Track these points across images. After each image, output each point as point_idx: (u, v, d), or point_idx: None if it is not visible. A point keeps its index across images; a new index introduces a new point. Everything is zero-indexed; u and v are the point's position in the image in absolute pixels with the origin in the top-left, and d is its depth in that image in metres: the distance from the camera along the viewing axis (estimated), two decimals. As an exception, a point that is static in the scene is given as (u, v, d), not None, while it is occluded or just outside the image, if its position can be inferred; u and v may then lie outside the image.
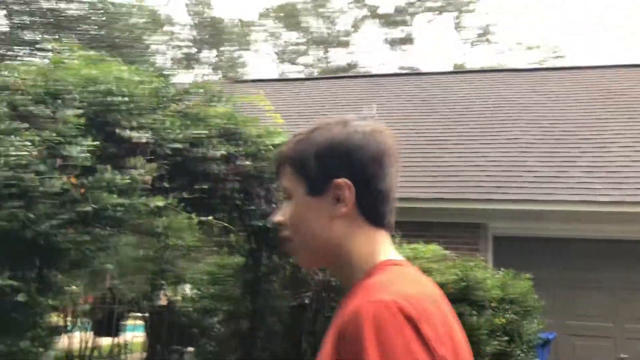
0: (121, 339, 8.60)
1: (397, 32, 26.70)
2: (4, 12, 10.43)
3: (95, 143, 3.08)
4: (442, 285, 4.26)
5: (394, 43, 26.96)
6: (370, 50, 28.81)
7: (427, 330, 0.84)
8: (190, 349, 6.58)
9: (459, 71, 14.02)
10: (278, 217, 1.09)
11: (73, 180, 3.13)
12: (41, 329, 3.15)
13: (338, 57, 26.87)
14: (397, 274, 0.98)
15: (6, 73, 3.57)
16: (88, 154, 3.04)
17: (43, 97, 3.42)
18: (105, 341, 8.44)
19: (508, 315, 4.41)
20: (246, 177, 4.05)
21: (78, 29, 10.10)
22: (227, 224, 3.97)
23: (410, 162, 8.46)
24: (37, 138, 3.06)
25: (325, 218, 1.03)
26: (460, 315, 4.24)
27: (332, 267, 1.08)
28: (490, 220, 7.55)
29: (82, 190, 3.15)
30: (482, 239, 7.57)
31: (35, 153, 3.02)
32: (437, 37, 32.09)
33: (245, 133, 4.07)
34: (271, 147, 4.08)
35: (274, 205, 4.19)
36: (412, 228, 6.74)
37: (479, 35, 26.42)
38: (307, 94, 12.02)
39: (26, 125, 3.17)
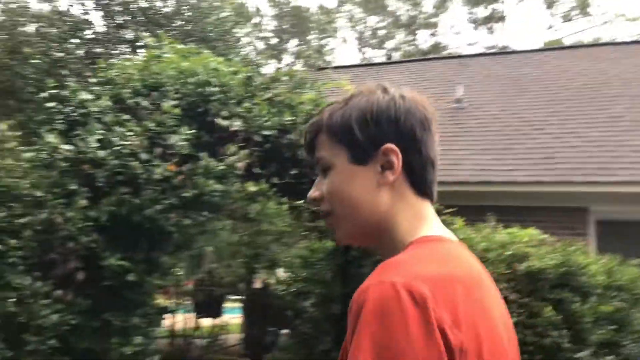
0: (221, 320, 9.01)
1: (484, 11, 25.70)
2: (103, 13, 11.11)
3: (192, 131, 3.23)
4: (540, 271, 4.12)
5: (480, 22, 26.00)
6: (457, 31, 27.95)
7: (439, 314, 0.76)
8: (285, 330, 6.78)
9: (553, 48, 13.30)
10: (313, 193, 0.99)
11: (173, 167, 3.31)
12: (149, 307, 3.37)
13: (424, 40, 26.32)
14: (428, 250, 0.90)
15: (110, 69, 3.82)
16: (186, 143, 3.19)
17: (143, 90, 3.63)
18: (206, 322, 8.88)
19: (615, 303, 4.16)
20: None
21: (171, 25, 10.56)
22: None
23: (503, 144, 8.16)
24: (139, 128, 3.26)
25: (371, 187, 0.95)
26: (561, 302, 4.06)
27: (374, 241, 0.99)
28: (592, 204, 7.14)
29: (182, 177, 3.33)
30: (584, 223, 7.17)
31: (138, 142, 3.22)
32: (527, 14, 30.50)
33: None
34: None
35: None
36: (509, 212, 6.53)
37: (573, 9, 24.86)
38: (391, 78, 11.90)
39: (129, 116, 3.39)
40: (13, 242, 2.74)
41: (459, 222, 5.26)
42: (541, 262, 4.15)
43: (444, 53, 22.30)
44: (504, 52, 12.12)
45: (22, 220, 2.80)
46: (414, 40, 26.61)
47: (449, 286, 0.80)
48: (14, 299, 2.78)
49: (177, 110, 3.30)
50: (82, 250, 2.98)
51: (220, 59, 3.86)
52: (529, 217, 6.17)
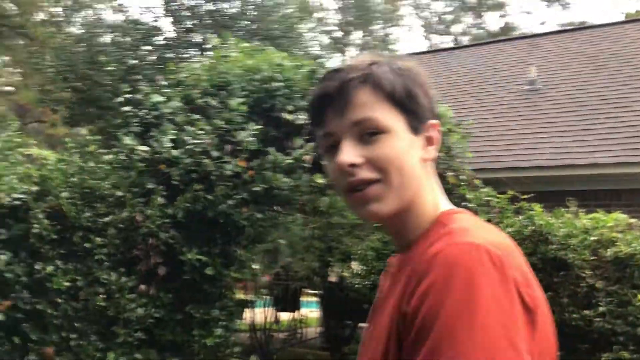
0: (299, 313, 9.15)
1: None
2: (172, 19, 11.51)
3: (260, 127, 3.29)
4: (630, 256, 3.90)
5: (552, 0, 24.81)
6: (527, 11, 26.83)
7: (515, 274, 0.78)
8: (363, 324, 6.77)
9: (632, 20, 12.49)
10: (355, 158, 0.88)
11: (242, 163, 3.39)
12: (228, 300, 3.48)
13: (492, 22, 25.45)
14: (474, 221, 0.89)
15: (180, 72, 3.96)
16: (254, 138, 3.25)
17: (211, 90, 3.74)
18: (285, 316, 9.05)
19: None
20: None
21: (237, 25, 10.80)
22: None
23: (582, 125, 7.78)
24: (209, 127, 3.36)
25: (417, 159, 0.91)
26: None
27: (399, 221, 0.93)
28: (684, 184, 6.66)
29: (251, 173, 3.40)
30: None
31: (209, 141, 3.32)
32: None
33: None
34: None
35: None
36: (592, 197, 6.21)
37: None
38: (460, 63, 11.59)
39: (199, 116, 3.50)
40: (98, 240, 2.90)
41: (537, 208, 5.06)
42: (629, 248, 3.93)
43: (514, 34, 21.46)
44: (579, 27, 11.50)
45: (105, 219, 2.96)
46: (482, 23, 25.81)
47: (513, 251, 0.82)
48: (103, 294, 2.94)
49: (244, 107, 3.37)
50: (162, 246, 3.11)
51: (284, 54, 3.91)
52: (613, 201, 5.85)
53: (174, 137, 3.22)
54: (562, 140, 8.14)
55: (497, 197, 4.72)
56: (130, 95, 3.72)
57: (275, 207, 3.76)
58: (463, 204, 4.25)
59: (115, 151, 3.19)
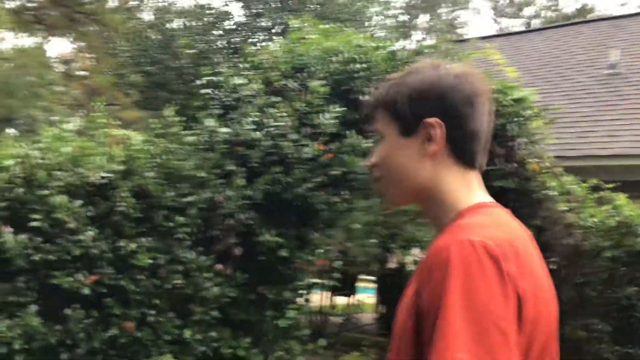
0: (355, 299, 9.12)
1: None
2: (242, 3, 11.59)
3: (342, 109, 3.23)
4: None
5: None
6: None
7: (510, 268, 0.87)
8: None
9: None
10: (370, 160, 1.12)
11: (321, 146, 3.35)
12: (300, 282, 3.47)
13: (567, 3, 24.28)
14: (488, 216, 1.00)
15: (258, 54, 3.95)
16: (335, 121, 3.20)
17: (289, 72, 3.71)
18: (341, 300, 9.04)
19: None
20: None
21: (305, 9, 10.75)
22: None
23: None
24: (289, 109, 3.33)
25: (416, 158, 1.06)
26: None
27: (422, 205, 1.09)
28: None
29: (330, 156, 3.36)
30: None
31: (289, 123, 3.30)
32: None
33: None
34: (511, 102, 3.84)
35: (514, 165, 3.96)
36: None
37: None
38: (533, 47, 11.12)
39: (279, 98, 3.48)
40: (181, 219, 2.93)
41: (621, 197, 4.79)
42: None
43: (591, 16, 20.39)
44: (667, 8, 10.75)
45: (188, 199, 2.99)
46: (555, 4, 24.65)
47: (511, 245, 0.91)
48: (181, 273, 2.99)
49: (324, 89, 3.32)
50: (240, 227, 3.13)
51: (364, 35, 3.82)
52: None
53: (256, 119, 3.22)
54: (646, 129, 7.68)
55: (580, 186, 4.49)
56: (210, 78, 3.75)
57: (350, 191, 3.70)
58: (544, 192, 4.07)
59: (197, 132, 3.22)
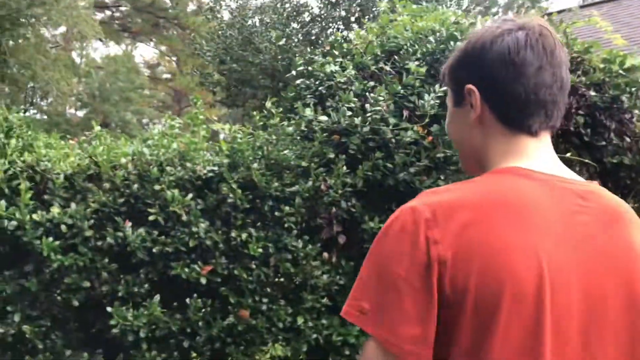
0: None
1: None
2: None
3: (443, 89, 3.13)
4: None
5: None
6: None
7: (433, 233, 0.89)
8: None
9: None
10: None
11: (421, 129, 3.27)
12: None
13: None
14: (477, 181, 0.99)
15: (348, 40, 3.91)
16: (436, 102, 3.11)
17: (383, 56, 3.65)
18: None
19: None
20: (593, 110, 3.65)
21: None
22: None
23: None
24: (386, 93, 3.28)
25: (467, 126, 1.06)
26: None
27: (482, 172, 1.06)
28: None
29: (430, 138, 3.27)
30: None
31: (385, 107, 3.24)
32: None
33: (587, 60, 3.65)
34: (621, 72, 3.58)
35: (629, 139, 3.69)
36: None
37: None
38: (631, 14, 10.36)
39: (374, 83, 3.43)
40: (287, 209, 2.96)
41: None
42: None
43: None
44: None
45: (292, 189, 3.01)
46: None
47: (453, 211, 0.91)
48: (290, 261, 3.02)
49: (422, 70, 3.23)
50: (343, 215, 3.12)
51: (459, 12, 3.69)
52: None
53: (353, 105, 3.19)
54: None
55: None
56: (303, 67, 3.76)
57: (448, 174, 3.59)
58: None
59: (296, 122, 3.23)
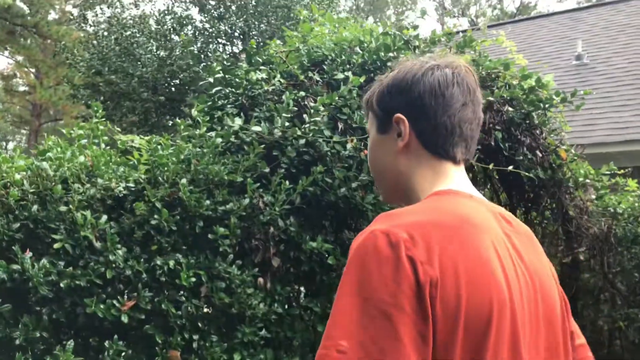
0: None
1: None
2: (198, 8, 11.18)
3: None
4: None
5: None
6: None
7: (415, 253, 0.85)
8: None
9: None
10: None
11: (353, 142, 3.10)
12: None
13: (509, 2, 25.03)
14: (430, 202, 0.98)
15: (268, 48, 3.66)
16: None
17: (308, 66, 3.45)
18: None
19: None
20: (509, 125, 3.74)
21: (268, 13, 10.46)
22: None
23: (645, 97, 7.46)
24: (318, 105, 3.07)
25: (391, 153, 1.06)
26: None
27: (404, 201, 1.07)
28: None
29: (365, 152, 3.11)
30: None
31: (319, 119, 3.03)
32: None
33: (502, 76, 3.75)
34: (529, 89, 3.72)
35: (541, 154, 3.83)
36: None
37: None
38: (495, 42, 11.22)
39: (304, 93, 3.20)
40: (222, 230, 2.62)
41: (631, 183, 4.78)
42: None
43: (534, 12, 21.02)
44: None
45: (226, 207, 2.68)
46: (499, 3, 25.37)
47: (427, 231, 0.88)
48: (223, 290, 2.67)
49: (360, 80, 3.08)
50: (281, 235, 2.84)
51: (385, 22, 3.60)
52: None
53: (287, 115, 2.94)
54: (620, 115, 7.82)
55: (593, 173, 4.44)
56: (221, 75, 3.43)
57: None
58: (572, 180, 3.96)
59: (224, 133, 2.90)
